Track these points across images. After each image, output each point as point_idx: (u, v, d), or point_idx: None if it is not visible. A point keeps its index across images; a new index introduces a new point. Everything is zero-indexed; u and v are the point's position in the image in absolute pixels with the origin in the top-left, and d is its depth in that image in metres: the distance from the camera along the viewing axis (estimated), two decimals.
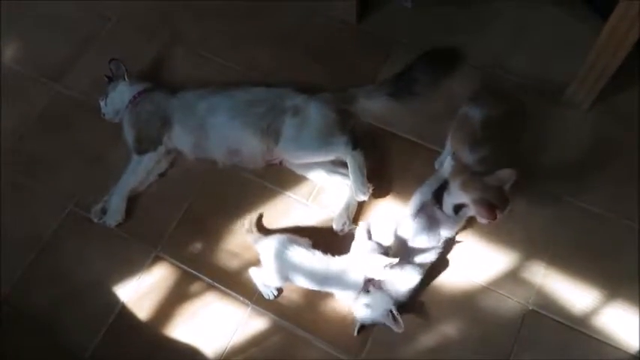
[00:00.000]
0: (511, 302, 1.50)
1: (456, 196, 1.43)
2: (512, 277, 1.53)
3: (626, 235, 1.55)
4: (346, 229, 1.59)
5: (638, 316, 1.45)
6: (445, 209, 1.48)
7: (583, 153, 1.68)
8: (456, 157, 1.46)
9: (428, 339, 1.47)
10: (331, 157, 1.63)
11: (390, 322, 1.41)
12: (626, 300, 1.47)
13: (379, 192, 1.64)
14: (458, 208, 1.46)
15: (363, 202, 1.62)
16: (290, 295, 1.55)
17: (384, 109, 1.70)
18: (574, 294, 1.49)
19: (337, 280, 1.44)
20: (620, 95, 1.73)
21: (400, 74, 1.67)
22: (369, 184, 1.59)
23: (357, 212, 1.63)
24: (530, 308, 1.49)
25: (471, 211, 1.42)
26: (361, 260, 1.42)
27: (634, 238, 1.55)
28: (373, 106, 1.70)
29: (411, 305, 1.48)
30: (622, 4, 1.39)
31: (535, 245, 1.56)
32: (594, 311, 1.47)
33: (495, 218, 1.34)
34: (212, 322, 1.55)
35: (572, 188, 1.63)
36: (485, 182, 1.37)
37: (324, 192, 1.68)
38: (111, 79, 1.84)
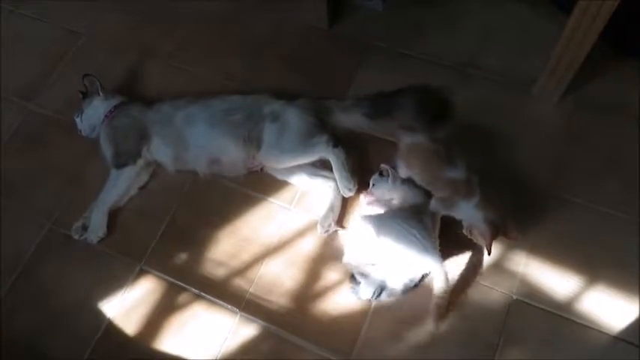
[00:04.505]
0: (496, 293, 1.52)
1: (467, 214, 1.43)
2: (495, 268, 1.55)
3: (603, 222, 1.59)
4: (331, 230, 1.61)
5: (618, 299, 1.49)
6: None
7: (556, 144, 1.72)
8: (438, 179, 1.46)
9: (416, 336, 1.48)
10: (314, 157, 1.63)
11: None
12: (606, 284, 1.51)
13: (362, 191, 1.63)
14: None
15: (347, 204, 1.64)
16: (278, 300, 1.55)
17: (358, 123, 1.67)
18: (556, 281, 1.52)
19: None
20: (588, 87, 1.79)
21: (383, 95, 1.64)
22: (354, 179, 1.60)
23: (340, 214, 1.64)
24: (515, 298, 1.51)
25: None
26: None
27: (610, 224, 1.59)
28: (348, 120, 1.67)
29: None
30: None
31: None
32: (576, 297, 1.50)
33: (493, 240, 1.37)
34: (201, 332, 1.53)
35: (547, 179, 1.67)
36: (493, 205, 1.40)
37: (306, 196, 1.69)
38: (85, 95, 1.83)
